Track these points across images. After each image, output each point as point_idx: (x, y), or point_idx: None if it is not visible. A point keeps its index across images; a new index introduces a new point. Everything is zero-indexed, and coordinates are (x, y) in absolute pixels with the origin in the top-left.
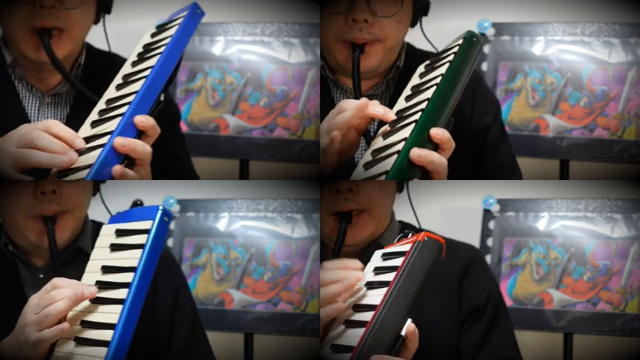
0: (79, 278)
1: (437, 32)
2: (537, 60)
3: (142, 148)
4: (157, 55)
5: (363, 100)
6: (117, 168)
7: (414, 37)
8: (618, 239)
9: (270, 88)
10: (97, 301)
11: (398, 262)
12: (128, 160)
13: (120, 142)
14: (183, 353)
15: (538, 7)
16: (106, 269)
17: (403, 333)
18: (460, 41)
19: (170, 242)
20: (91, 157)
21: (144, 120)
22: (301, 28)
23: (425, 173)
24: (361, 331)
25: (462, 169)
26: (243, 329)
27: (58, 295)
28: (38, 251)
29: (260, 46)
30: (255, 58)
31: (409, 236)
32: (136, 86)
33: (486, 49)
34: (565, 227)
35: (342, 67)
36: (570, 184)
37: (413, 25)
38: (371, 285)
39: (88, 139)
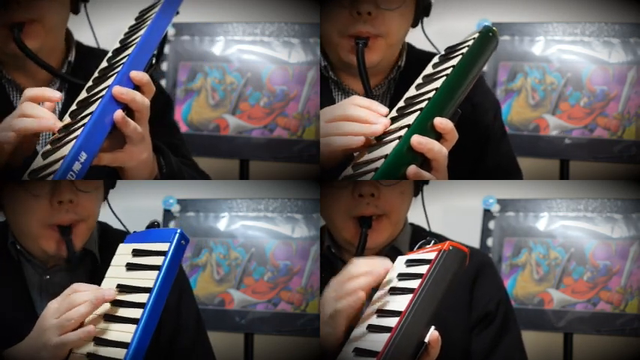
0: (86, 279)
1: (437, 32)
2: (537, 60)
3: (141, 99)
4: (144, 27)
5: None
6: (119, 112)
7: (416, 38)
8: (618, 239)
9: (270, 88)
10: (111, 319)
11: (422, 269)
12: (128, 112)
13: (118, 90)
14: (186, 357)
15: (538, 7)
16: (122, 288)
17: (426, 340)
18: (476, 35)
19: None
20: (91, 109)
21: (139, 74)
22: (301, 28)
23: (424, 163)
24: (385, 336)
25: (461, 166)
26: (243, 329)
27: (78, 298)
28: (53, 260)
29: (260, 46)
30: (255, 58)
31: (431, 244)
32: (127, 52)
33: None
34: (565, 227)
35: (345, 63)
36: (570, 184)
37: (414, 25)
38: (395, 291)
39: (84, 100)
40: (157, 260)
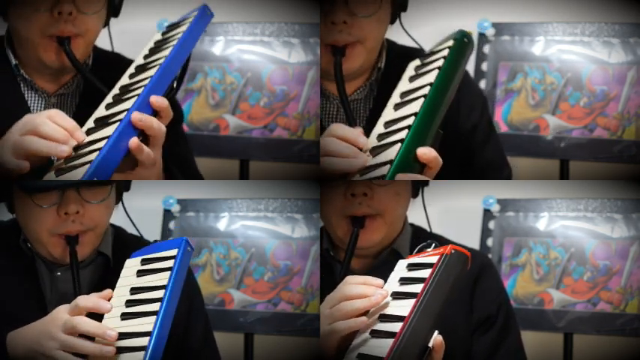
0: (97, 279)
1: (437, 32)
2: (537, 60)
3: (158, 125)
4: (169, 47)
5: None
6: (134, 140)
7: (405, 36)
8: (618, 239)
9: (270, 88)
10: (128, 316)
11: (425, 273)
12: (143, 137)
13: (137, 116)
14: (194, 358)
15: (538, 7)
16: (135, 290)
17: (430, 344)
18: (451, 42)
19: None
20: (108, 132)
21: (159, 100)
22: (301, 28)
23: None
24: (389, 341)
25: (450, 168)
26: (243, 329)
27: (82, 326)
28: (59, 262)
29: (260, 46)
30: (255, 58)
31: (432, 247)
32: (149, 72)
33: (486, 49)
34: (565, 227)
35: (326, 71)
36: (570, 184)
37: (392, 21)
38: (397, 295)
39: (102, 119)
40: (167, 264)
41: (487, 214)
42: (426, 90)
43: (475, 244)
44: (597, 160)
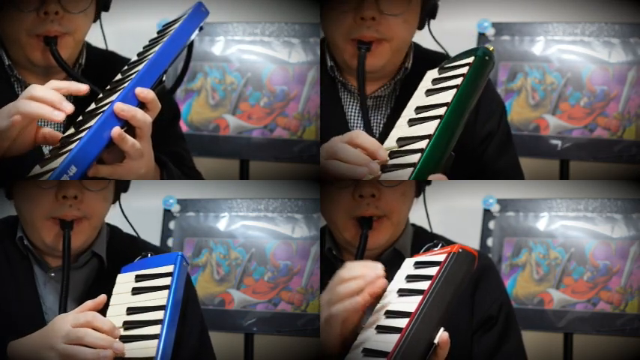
0: (91, 280)
1: (437, 32)
2: (537, 60)
3: (142, 116)
4: (161, 42)
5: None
6: (116, 129)
7: (422, 37)
8: (618, 239)
9: (270, 88)
10: (128, 339)
11: (432, 271)
12: (128, 128)
13: (120, 106)
14: None
15: (538, 7)
16: (132, 310)
17: (436, 341)
18: (471, 59)
19: (170, 242)
20: (92, 123)
21: (144, 91)
22: (301, 28)
23: None
24: (394, 337)
25: (463, 174)
26: (243, 329)
27: (89, 338)
28: (52, 252)
29: (260, 46)
30: (255, 58)
31: (439, 247)
32: (139, 67)
33: None
34: (565, 227)
35: (349, 66)
36: (570, 184)
37: (420, 27)
38: (404, 292)
39: (89, 112)
40: (163, 281)
41: (487, 214)
42: (441, 111)
43: (475, 244)
44: (597, 160)
